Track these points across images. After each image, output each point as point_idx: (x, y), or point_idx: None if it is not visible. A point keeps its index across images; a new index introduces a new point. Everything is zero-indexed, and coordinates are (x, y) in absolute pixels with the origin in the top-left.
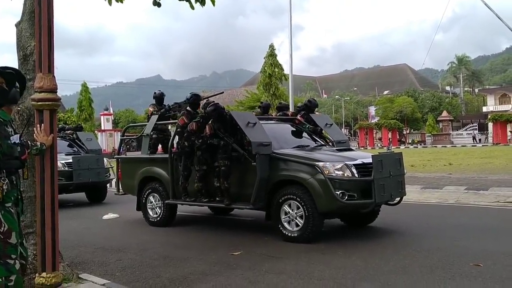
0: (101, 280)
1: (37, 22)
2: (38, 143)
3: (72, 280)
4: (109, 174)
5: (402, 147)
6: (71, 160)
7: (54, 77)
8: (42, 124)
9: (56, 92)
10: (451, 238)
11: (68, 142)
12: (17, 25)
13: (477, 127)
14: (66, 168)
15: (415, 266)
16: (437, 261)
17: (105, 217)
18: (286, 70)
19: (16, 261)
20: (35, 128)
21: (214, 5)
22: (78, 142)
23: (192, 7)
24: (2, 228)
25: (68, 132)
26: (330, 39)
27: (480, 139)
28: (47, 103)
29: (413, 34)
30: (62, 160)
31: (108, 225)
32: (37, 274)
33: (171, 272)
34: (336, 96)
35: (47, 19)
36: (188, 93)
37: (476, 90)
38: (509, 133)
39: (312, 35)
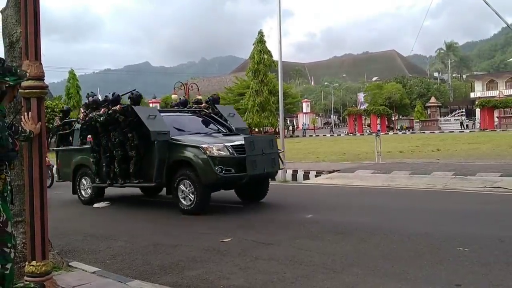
0: (91, 268)
1: (23, 8)
2: (27, 130)
3: (62, 268)
4: (281, 161)
5: (390, 133)
6: (240, 142)
7: (41, 65)
8: (30, 112)
9: (44, 79)
10: (438, 223)
11: (202, 118)
12: (2, 11)
13: (464, 113)
14: (234, 154)
15: (402, 251)
16: (425, 246)
17: (96, 205)
18: (275, 57)
19: (12, 250)
20: (22, 116)
21: None
22: (219, 119)
23: None
24: (1, 218)
25: (203, 105)
26: (319, 24)
27: (467, 125)
28: (34, 91)
29: (402, 19)
30: (226, 142)
31: (98, 213)
32: (26, 263)
33: (161, 259)
34: (325, 83)
35: (33, 5)
36: (176, 79)
37: (464, 76)
38: (496, 119)
39: (301, 21)
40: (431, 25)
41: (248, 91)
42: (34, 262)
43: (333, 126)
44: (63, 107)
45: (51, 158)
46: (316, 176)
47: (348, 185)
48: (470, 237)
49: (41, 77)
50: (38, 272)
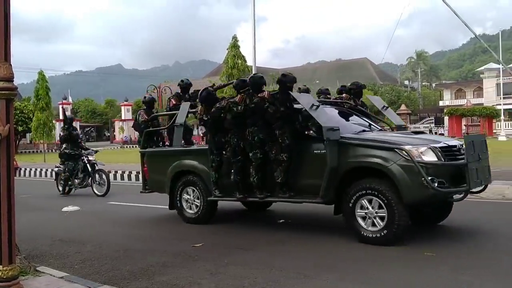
0: (59, 273)
1: None
2: None
3: (30, 273)
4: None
5: None
6: (451, 143)
7: (11, 66)
8: None
9: (13, 81)
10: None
11: (349, 113)
12: None
13: (433, 121)
14: (443, 159)
15: (373, 257)
16: (392, 250)
17: (65, 209)
18: (250, 62)
19: None
20: None
21: None
22: (368, 112)
23: None
24: None
25: (345, 96)
26: (294, 31)
27: (436, 132)
28: (3, 92)
29: (375, 28)
30: (430, 143)
31: (67, 218)
32: None
33: (131, 264)
34: (299, 87)
35: (3, 6)
36: (149, 83)
37: (433, 85)
38: (464, 127)
39: (276, 27)
40: (402, 34)
41: (222, 95)
42: (0, 267)
43: None
44: (145, 97)
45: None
46: None
47: None
48: (435, 242)
49: (10, 79)
50: (4, 277)
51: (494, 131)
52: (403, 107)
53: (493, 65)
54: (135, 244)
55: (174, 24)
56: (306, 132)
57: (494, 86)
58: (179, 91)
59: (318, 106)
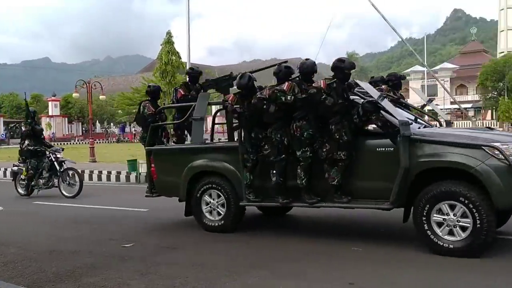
0: None
1: None
2: None
3: None
4: None
5: None
6: None
7: None
8: None
9: None
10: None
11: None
12: None
13: None
14: None
15: (301, 254)
16: (321, 245)
17: None
18: (184, 58)
19: None
20: None
21: None
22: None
23: None
24: None
25: (385, 88)
26: (230, 29)
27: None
28: None
29: (310, 28)
30: None
31: None
32: None
33: (57, 266)
34: (234, 87)
35: None
36: (79, 77)
37: None
38: None
39: (212, 24)
40: (335, 35)
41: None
42: None
43: None
44: (149, 86)
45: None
46: None
47: None
48: (361, 237)
49: None
50: None
51: None
52: None
53: (418, 68)
54: (61, 245)
55: (106, 18)
56: (365, 128)
57: (420, 88)
58: (188, 80)
59: (384, 98)
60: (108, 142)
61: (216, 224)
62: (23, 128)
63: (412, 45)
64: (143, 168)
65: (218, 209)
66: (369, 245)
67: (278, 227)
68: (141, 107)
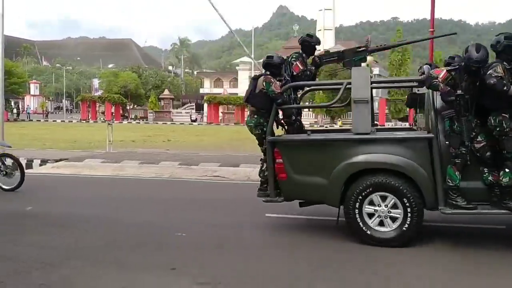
0: None
1: None
2: None
3: None
4: None
5: (125, 122)
6: None
7: None
8: None
9: None
10: (162, 211)
11: None
12: None
13: (194, 107)
14: None
15: (125, 240)
16: (147, 234)
17: None
18: None
19: None
20: None
21: None
22: None
23: None
24: None
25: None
26: (53, 1)
27: (196, 118)
28: None
29: (143, 10)
30: None
31: None
32: None
33: None
34: (58, 64)
35: None
36: None
37: (195, 73)
38: (220, 114)
39: None
40: (168, 19)
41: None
42: None
43: (65, 112)
44: (271, 57)
45: None
46: (40, 165)
47: (76, 174)
48: (188, 223)
49: None
50: None
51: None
52: (166, 91)
53: (246, 59)
54: None
55: None
56: None
57: (247, 78)
58: (302, 50)
59: None
60: None
61: (392, 236)
62: None
63: (242, 36)
64: None
65: (390, 217)
66: (191, 231)
67: (99, 217)
68: (265, 83)
